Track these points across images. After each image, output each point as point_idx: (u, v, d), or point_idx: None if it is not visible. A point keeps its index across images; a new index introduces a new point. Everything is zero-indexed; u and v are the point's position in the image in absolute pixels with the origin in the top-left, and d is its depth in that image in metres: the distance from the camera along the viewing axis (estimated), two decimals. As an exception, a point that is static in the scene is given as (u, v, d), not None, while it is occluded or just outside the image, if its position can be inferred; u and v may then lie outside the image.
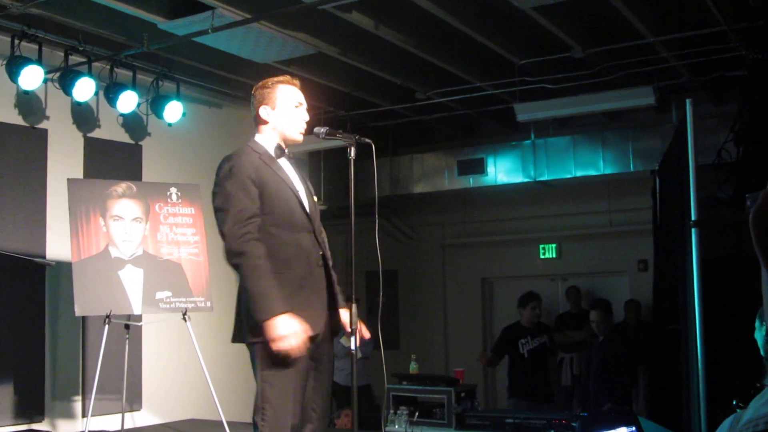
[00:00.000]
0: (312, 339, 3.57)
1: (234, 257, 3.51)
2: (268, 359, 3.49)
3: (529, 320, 7.75)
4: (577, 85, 8.10)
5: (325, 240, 3.88)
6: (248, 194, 3.58)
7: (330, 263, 3.84)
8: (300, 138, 3.87)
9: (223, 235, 3.57)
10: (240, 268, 3.51)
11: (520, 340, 7.64)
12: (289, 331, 3.41)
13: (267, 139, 3.84)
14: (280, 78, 3.91)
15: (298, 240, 3.67)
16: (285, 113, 3.82)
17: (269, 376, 3.53)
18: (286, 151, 3.85)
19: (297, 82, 3.92)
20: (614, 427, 4.90)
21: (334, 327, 3.82)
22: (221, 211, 3.59)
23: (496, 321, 11.51)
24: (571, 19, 7.03)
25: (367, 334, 3.87)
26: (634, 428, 4.92)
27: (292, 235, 3.66)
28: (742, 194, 5.34)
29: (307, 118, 3.89)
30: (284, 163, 3.82)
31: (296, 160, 4.01)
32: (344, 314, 3.76)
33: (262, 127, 3.86)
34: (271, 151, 3.80)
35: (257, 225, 3.56)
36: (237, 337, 3.66)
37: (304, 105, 3.89)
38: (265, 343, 3.45)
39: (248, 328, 3.54)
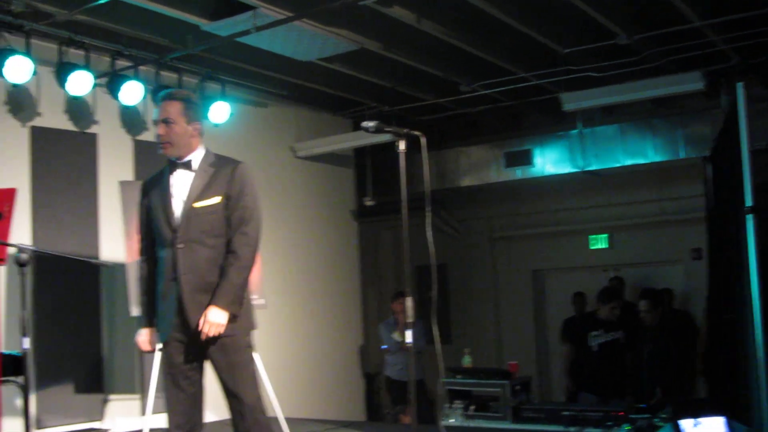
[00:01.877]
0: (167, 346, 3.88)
1: None
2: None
3: (607, 316, 7.12)
4: (623, 73, 7.98)
5: (240, 246, 3.86)
6: (140, 217, 4.03)
7: (190, 275, 3.79)
8: (162, 153, 3.91)
9: None
10: None
11: (591, 332, 7.08)
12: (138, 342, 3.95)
13: None
14: None
15: (161, 256, 3.89)
16: None
17: None
18: (194, 163, 3.90)
19: (163, 99, 3.95)
20: (707, 415, 4.82)
21: (190, 336, 3.80)
22: None
23: (548, 313, 11.43)
24: (615, 6, 6.92)
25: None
26: (725, 418, 4.83)
27: (159, 251, 3.91)
28: (798, 177, 5.21)
29: (159, 133, 3.90)
30: (179, 176, 3.90)
31: (207, 167, 3.92)
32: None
33: None
34: (169, 167, 3.96)
35: (147, 244, 3.98)
36: None
37: (160, 121, 3.90)
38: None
39: None
